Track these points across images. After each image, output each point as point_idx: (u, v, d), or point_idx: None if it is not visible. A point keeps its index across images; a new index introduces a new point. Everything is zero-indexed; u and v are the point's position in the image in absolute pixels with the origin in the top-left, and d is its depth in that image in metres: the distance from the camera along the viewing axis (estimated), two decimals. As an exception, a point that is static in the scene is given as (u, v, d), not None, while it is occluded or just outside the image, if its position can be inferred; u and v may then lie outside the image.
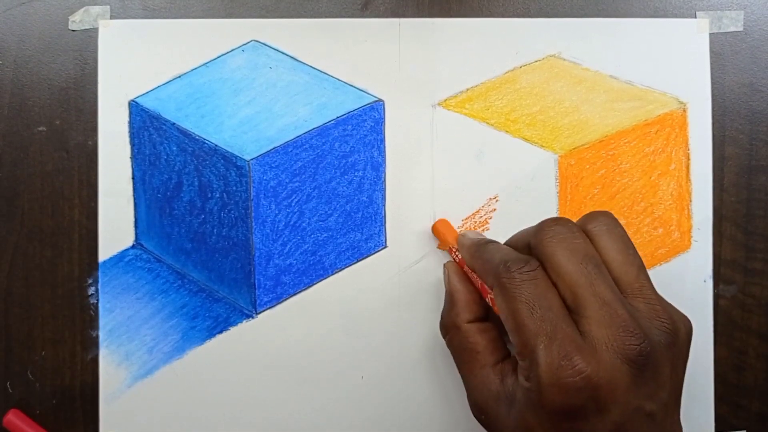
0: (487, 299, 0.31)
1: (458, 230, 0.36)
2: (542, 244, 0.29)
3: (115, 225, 0.36)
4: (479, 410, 0.30)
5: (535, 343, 0.26)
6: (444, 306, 0.33)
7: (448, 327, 0.32)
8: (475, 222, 0.36)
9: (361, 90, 0.36)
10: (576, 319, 0.27)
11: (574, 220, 0.30)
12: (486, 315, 0.32)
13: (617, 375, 0.26)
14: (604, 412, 0.26)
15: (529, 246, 0.29)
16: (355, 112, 0.36)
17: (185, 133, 0.35)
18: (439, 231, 0.36)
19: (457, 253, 0.33)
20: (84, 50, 0.36)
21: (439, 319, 0.36)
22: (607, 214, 0.30)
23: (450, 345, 0.32)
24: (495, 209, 0.36)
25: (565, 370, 0.26)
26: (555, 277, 0.28)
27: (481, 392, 0.30)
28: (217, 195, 0.35)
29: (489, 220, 0.36)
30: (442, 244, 0.35)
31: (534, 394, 0.26)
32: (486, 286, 0.31)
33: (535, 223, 0.34)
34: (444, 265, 0.34)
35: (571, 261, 0.28)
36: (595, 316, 0.27)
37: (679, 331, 0.28)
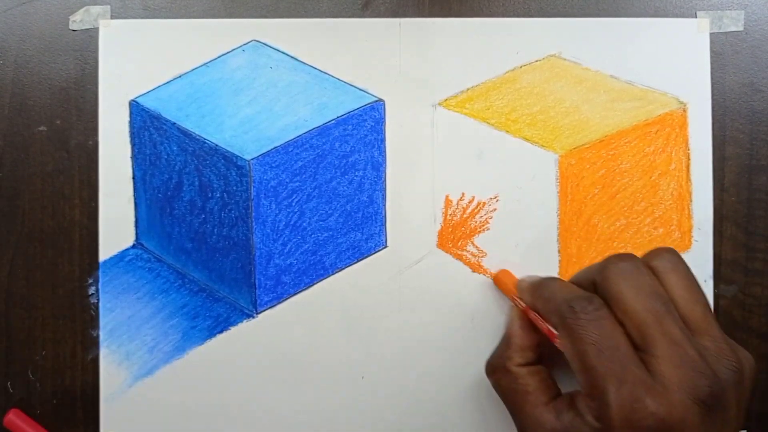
0: (555, 342, 0.30)
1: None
2: (608, 281, 0.28)
3: (116, 225, 0.36)
4: None
5: (605, 385, 0.26)
6: (497, 347, 0.33)
7: (497, 368, 0.32)
8: (476, 222, 0.36)
9: (361, 90, 0.36)
10: (644, 357, 0.27)
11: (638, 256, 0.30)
12: (538, 361, 0.32)
13: (688, 416, 0.26)
14: None
15: (594, 283, 0.29)
16: (356, 111, 0.36)
17: (186, 133, 0.35)
18: (500, 281, 0.35)
19: (520, 301, 0.33)
20: (84, 50, 0.36)
21: (440, 317, 0.36)
22: (670, 251, 0.30)
23: (497, 386, 0.32)
24: (495, 209, 0.36)
25: (638, 413, 0.26)
26: (621, 315, 0.28)
27: (536, 431, 0.29)
28: (218, 195, 0.35)
29: (489, 220, 0.36)
30: (504, 291, 0.35)
31: None
32: (553, 329, 0.30)
33: (535, 222, 0.34)
34: (511, 307, 0.34)
35: (639, 299, 0.28)
36: (664, 355, 0.27)
37: (745, 369, 0.28)
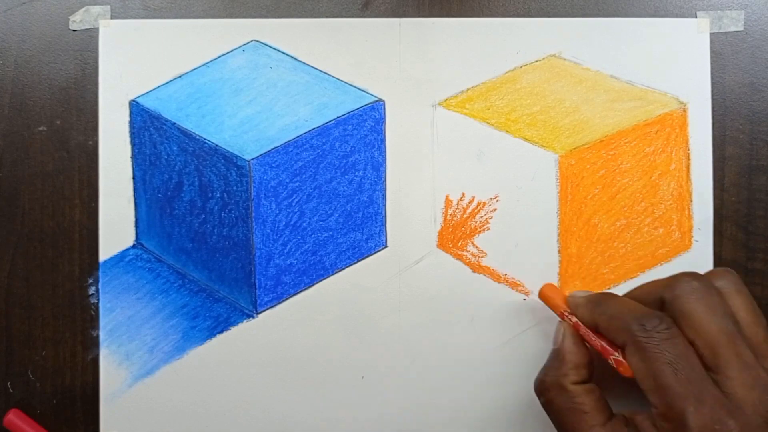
0: (610, 360, 0.30)
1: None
2: (680, 299, 0.28)
3: (116, 225, 0.36)
4: None
5: (684, 406, 0.26)
6: (547, 364, 0.32)
7: (551, 387, 0.31)
8: (476, 222, 0.36)
9: (361, 90, 0.36)
10: (716, 378, 0.27)
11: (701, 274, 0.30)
12: (591, 379, 0.32)
13: None
14: None
15: (661, 300, 0.29)
16: (356, 112, 0.36)
17: (186, 133, 0.35)
18: (546, 296, 0.35)
19: (570, 316, 0.33)
20: (84, 50, 0.36)
21: (440, 317, 0.36)
22: (732, 273, 0.30)
23: (550, 405, 0.31)
24: (495, 209, 0.36)
25: None
26: (693, 334, 0.28)
27: None
28: (218, 195, 0.35)
29: (489, 220, 0.36)
30: (551, 306, 0.34)
31: None
32: (608, 347, 0.30)
33: (535, 222, 0.34)
34: (559, 323, 0.33)
35: (712, 319, 0.28)
36: (739, 377, 0.27)
37: None
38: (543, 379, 0.32)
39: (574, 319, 0.32)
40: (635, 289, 0.32)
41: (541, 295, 0.35)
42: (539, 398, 0.32)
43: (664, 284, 0.30)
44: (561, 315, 0.33)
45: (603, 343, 0.30)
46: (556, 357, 0.32)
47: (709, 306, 0.28)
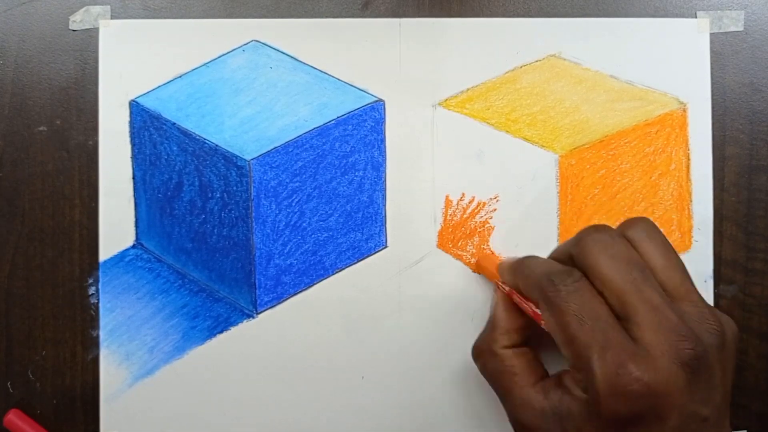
0: (541, 324, 0.30)
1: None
2: (584, 253, 0.28)
3: (116, 225, 0.36)
4: (523, 428, 0.30)
5: (589, 354, 0.26)
6: (482, 331, 0.33)
7: (483, 352, 0.32)
8: (476, 222, 0.36)
9: (361, 90, 0.36)
10: (626, 326, 0.27)
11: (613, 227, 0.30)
12: (524, 343, 0.32)
13: (674, 380, 0.26)
14: (663, 418, 0.26)
15: (571, 256, 0.29)
16: (356, 112, 0.36)
17: (186, 133, 0.35)
18: (482, 266, 0.35)
19: (504, 285, 0.33)
20: (84, 50, 0.36)
21: (440, 317, 0.36)
22: (645, 220, 0.30)
23: (484, 370, 0.32)
24: (495, 209, 0.36)
25: (623, 378, 0.25)
26: (600, 285, 0.28)
27: (525, 412, 0.29)
28: (218, 195, 0.35)
29: (489, 220, 0.36)
30: (487, 276, 0.35)
31: (593, 405, 0.26)
32: (537, 309, 0.30)
33: (535, 222, 0.34)
34: (494, 291, 0.34)
35: (616, 268, 0.28)
36: (645, 321, 0.26)
37: (727, 332, 0.28)
38: (476, 345, 0.33)
39: (508, 288, 0.32)
40: (554, 250, 0.32)
41: (477, 266, 0.35)
42: (476, 364, 0.32)
43: (573, 240, 0.30)
44: (496, 284, 0.34)
45: (532, 306, 0.30)
46: (489, 324, 0.33)
47: (614, 256, 0.28)
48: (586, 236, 0.29)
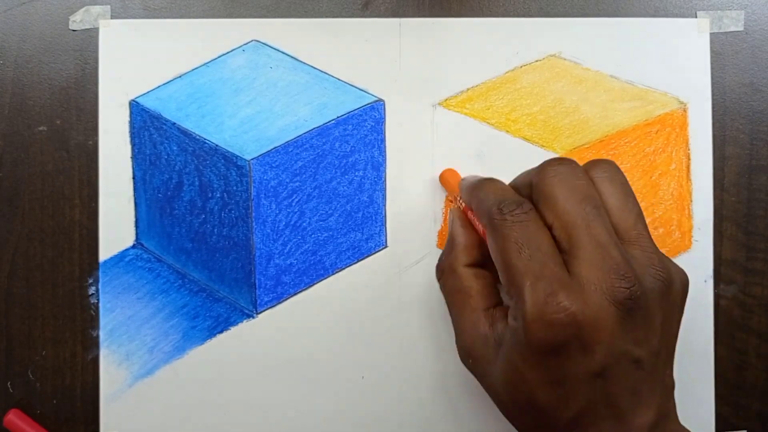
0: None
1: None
2: (543, 182, 0.28)
3: (116, 225, 0.36)
4: (466, 353, 0.30)
5: (522, 282, 0.26)
6: (444, 249, 0.33)
7: (444, 269, 0.32)
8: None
9: (361, 90, 0.36)
10: (568, 260, 0.27)
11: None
12: (484, 262, 0.32)
13: (603, 315, 0.26)
14: (588, 351, 0.26)
15: (531, 185, 0.29)
16: (356, 111, 0.36)
17: (186, 133, 0.35)
18: (446, 179, 0.35)
19: (461, 201, 0.33)
20: (84, 50, 0.36)
21: (440, 317, 0.36)
22: (609, 162, 0.30)
23: (443, 287, 0.32)
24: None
25: (550, 307, 0.25)
26: (552, 216, 0.28)
27: (470, 335, 0.30)
28: (218, 195, 0.35)
29: (489, 220, 0.36)
30: (449, 191, 0.35)
31: (520, 332, 0.26)
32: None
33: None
34: (450, 209, 0.33)
35: (570, 200, 0.27)
36: (587, 257, 0.26)
37: (674, 281, 0.28)
38: (438, 264, 0.32)
39: (464, 204, 0.32)
40: (517, 176, 0.32)
41: (441, 179, 0.35)
42: (438, 284, 0.32)
43: (536, 168, 0.29)
44: (455, 199, 0.33)
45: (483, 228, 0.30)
46: (448, 242, 0.32)
47: (571, 189, 0.28)
48: (549, 166, 0.29)
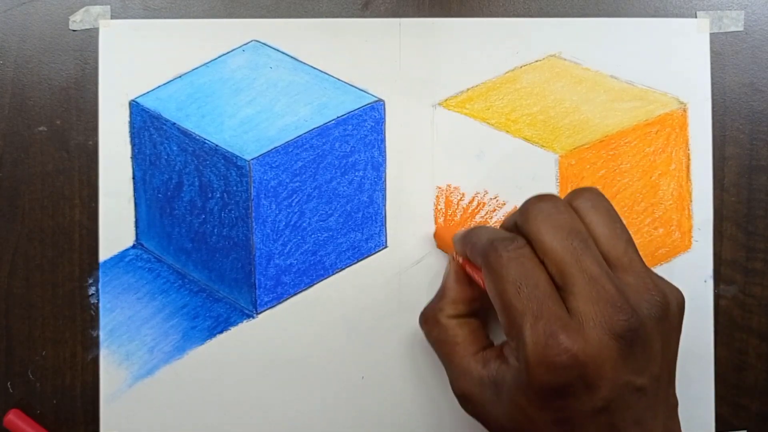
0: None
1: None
2: (528, 222, 0.28)
3: (116, 225, 0.36)
4: (464, 399, 0.30)
5: (522, 323, 0.26)
6: (432, 299, 0.33)
7: (428, 319, 0.32)
8: (476, 222, 0.36)
9: (361, 90, 0.36)
10: (564, 296, 0.27)
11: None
12: (470, 315, 0.32)
13: (605, 351, 0.26)
14: (593, 389, 0.26)
15: (516, 227, 0.29)
16: (356, 112, 0.36)
17: (186, 133, 0.35)
18: (440, 236, 0.36)
19: (458, 256, 0.33)
20: (84, 50, 0.36)
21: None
22: (592, 190, 0.30)
23: (429, 337, 0.32)
24: (495, 209, 0.36)
25: (552, 349, 0.25)
26: (542, 254, 0.27)
27: (464, 380, 0.30)
28: (218, 195, 0.35)
29: (489, 220, 0.36)
30: (444, 248, 0.35)
31: (523, 374, 0.26)
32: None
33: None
34: (449, 263, 0.34)
35: (557, 237, 0.27)
36: (582, 292, 0.26)
37: (670, 303, 0.28)
38: (423, 312, 0.33)
39: (461, 259, 0.32)
40: (503, 220, 0.32)
41: (436, 236, 0.36)
42: (422, 330, 0.33)
43: (519, 209, 0.29)
44: (451, 255, 0.34)
45: (481, 275, 0.30)
46: (438, 293, 0.33)
47: (555, 225, 0.28)
48: (531, 205, 0.29)
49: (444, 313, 0.32)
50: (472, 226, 0.32)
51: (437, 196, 0.36)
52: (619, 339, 0.26)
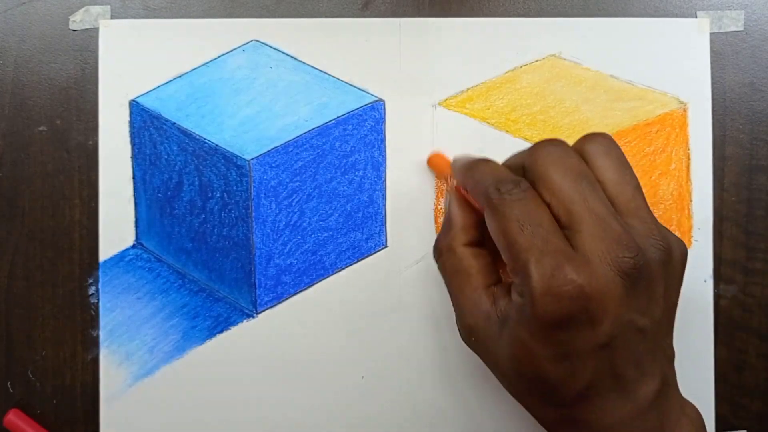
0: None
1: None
2: (536, 163, 0.28)
3: (116, 225, 0.36)
4: (469, 331, 0.30)
5: (527, 258, 0.26)
6: (441, 229, 0.32)
7: (443, 249, 0.32)
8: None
9: (361, 90, 0.36)
10: (570, 235, 0.27)
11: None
12: (482, 241, 0.31)
13: (610, 286, 0.26)
14: (595, 323, 0.26)
15: (524, 167, 0.29)
16: (356, 111, 0.36)
17: (186, 133, 0.35)
18: (434, 162, 0.35)
19: (453, 180, 0.33)
20: (84, 50, 0.36)
21: (440, 317, 0.36)
22: (605, 135, 0.30)
23: (442, 268, 0.32)
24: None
25: (557, 280, 0.25)
26: (549, 195, 0.28)
27: (472, 313, 0.29)
28: (218, 195, 0.35)
29: (489, 220, 0.36)
30: (439, 173, 0.35)
31: (527, 307, 0.26)
32: None
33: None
34: (446, 190, 0.33)
35: (565, 179, 0.27)
36: (588, 230, 0.26)
37: (674, 250, 0.28)
38: (436, 246, 0.32)
39: (455, 183, 0.32)
40: (508, 158, 0.31)
41: (429, 163, 0.35)
42: (437, 264, 0.32)
43: (527, 151, 0.29)
44: (447, 180, 0.33)
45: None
46: (446, 222, 0.32)
47: (565, 168, 0.28)
48: (540, 148, 0.29)
49: (458, 241, 0.31)
50: (473, 157, 0.32)
51: (437, 196, 0.36)
52: (625, 276, 0.26)
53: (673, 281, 0.28)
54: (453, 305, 0.31)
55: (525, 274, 0.26)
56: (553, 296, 0.25)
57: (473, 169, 0.30)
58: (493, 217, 0.28)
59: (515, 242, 0.27)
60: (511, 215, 0.27)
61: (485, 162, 0.31)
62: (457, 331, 0.31)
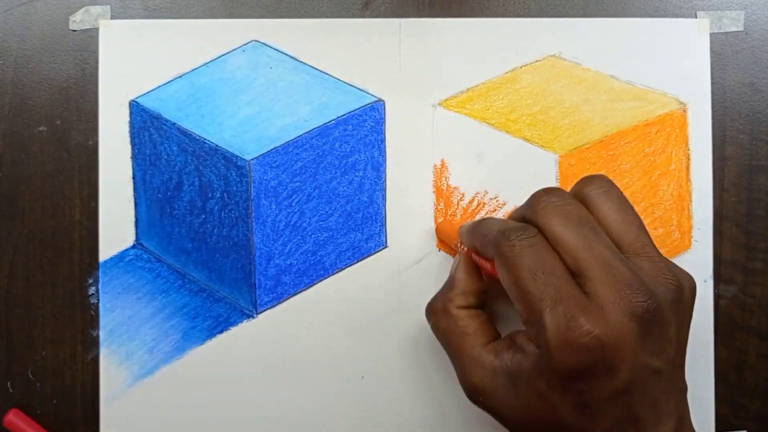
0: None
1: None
2: (536, 215, 0.28)
3: (116, 225, 0.36)
4: (475, 390, 0.30)
5: (541, 308, 0.26)
6: (439, 291, 0.33)
7: (437, 309, 0.32)
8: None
9: (361, 90, 0.36)
10: (580, 282, 0.27)
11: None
12: (479, 306, 0.32)
13: (625, 333, 0.26)
14: (613, 371, 0.26)
15: (525, 220, 0.29)
16: (356, 112, 0.36)
17: (186, 133, 0.35)
18: (443, 231, 0.36)
19: (462, 247, 0.33)
20: (84, 50, 0.36)
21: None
22: (602, 177, 0.30)
23: (436, 327, 0.32)
24: (495, 209, 0.36)
25: (573, 331, 0.25)
26: (554, 245, 0.28)
27: (476, 371, 0.29)
28: (218, 195, 0.35)
29: (489, 220, 0.36)
30: (448, 241, 0.35)
31: (544, 359, 0.26)
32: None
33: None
34: (457, 254, 0.34)
35: (567, 227, 0.28)
36: (597, 276, 0.27)
37: (684, 287, 0.28)
38: (431, 304, 0.32)
39: (466, 249, 0.32)
40: (509, 214, 0.32)
41: (438, 232, 0.36)
42: (428, 322, 0.32)
43: (525, 204, 0.30)
44: (455, 247, 0.34)
45: (491, 265, 0.30)
46: (447, 284, 0.32)
47: (566, 216, 0.28)
48: (538, 198, 0.29)
49: (454, 303, 0.31)
50: (477, 218, 0.32)
51: (437, 196, 0.36)
52: (639, 320, 0.26)
53: (684, 318, 0.28)
54: (453, 365, 0.31)
55: (540, 325, 0.26)
56: (571, 348, 0.26)
57: (479, 225, 0.31)
58: (504, 267, 0.28)
59: (528, 292, 0.27)
60: (522, 264, 0.27)
61: (491, 218, 0.32)
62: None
